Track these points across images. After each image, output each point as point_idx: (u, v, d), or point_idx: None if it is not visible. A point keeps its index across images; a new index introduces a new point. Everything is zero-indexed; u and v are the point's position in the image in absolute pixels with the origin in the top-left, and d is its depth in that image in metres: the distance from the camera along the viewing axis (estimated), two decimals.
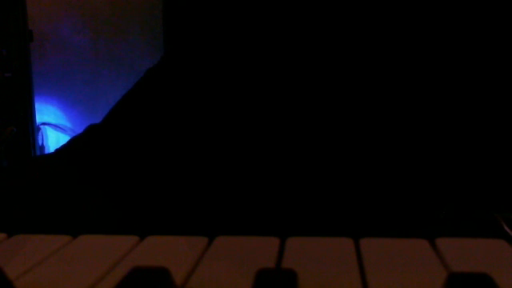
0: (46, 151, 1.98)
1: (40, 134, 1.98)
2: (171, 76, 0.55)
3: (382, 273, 0.29)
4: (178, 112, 0.52)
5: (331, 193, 0.46)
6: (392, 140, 0.47)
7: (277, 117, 0.49)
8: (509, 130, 0.46)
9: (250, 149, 0.48)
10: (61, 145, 0.58)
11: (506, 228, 0.42)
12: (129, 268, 0.27)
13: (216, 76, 0.52)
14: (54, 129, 2.04)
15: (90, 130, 0.56)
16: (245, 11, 0.50)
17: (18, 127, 1.78)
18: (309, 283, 0.28)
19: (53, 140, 2.04)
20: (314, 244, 0.34)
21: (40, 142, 1.96)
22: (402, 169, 0.47)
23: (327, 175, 0.47)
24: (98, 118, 0.58)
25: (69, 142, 0.57)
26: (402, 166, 0.47)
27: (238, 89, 0.50)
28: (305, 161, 0.47)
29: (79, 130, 0.59)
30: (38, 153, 1.86)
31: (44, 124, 2.02)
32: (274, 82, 0.49)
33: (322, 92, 0.48)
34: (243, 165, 0.48)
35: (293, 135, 0.48)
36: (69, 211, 0.46)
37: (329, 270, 0.30)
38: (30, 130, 1.82)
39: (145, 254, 0.34)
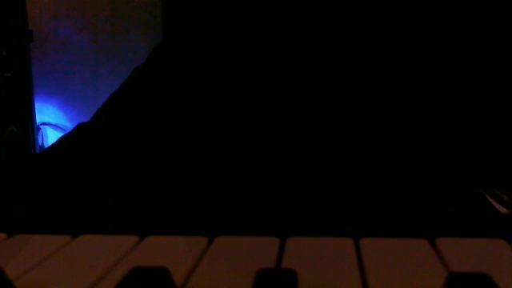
0: None
1: (40, 133, 1.98)
2: (168, 74, 0.55)
3: (381, 273, 0.29)
4: (178, 111, 0.52)
5: (331, 193, 0.46)
6: (392, 140, 0.47)
7: (276, 116, 0.49)
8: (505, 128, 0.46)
9: (250, 148, 0.48)
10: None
11: (491, 200, 0.42)
12: (129, 268, 0.27)
13: (215, 74, 0.52)
14: (54, 129, 2.04)
15: (82, 129, 0.56)
16: (245, 11, 0.50)
17: (17, 127, 1.78)
18: (309, 283, 0.28)
19: (53, 140, 2.04)
20: (314, 244, 0.34)
21: (40, 142, 1.96)
22: (402, 168, 0.47)
23: (327, 175, 0.47)
24: None
25: (60, 140, 0.57)
26: (402, 166, 0.47)
27: (238, 88, 0.50)
28: (305, 161, 0.47)
29: None
30: (37, 152, 1.86)
31: (44, 124, 2.02)
32: (272, 83, 0.49)
33: (321, 92, 0.48)
34: (243, 164, 0.48)
35: (293, 135, 0.48)
36: (69, 211, 0.46)
37: (329, 270, 0.30)
38: (30, 130, 1.82)
39: (145, 254, 0.34)
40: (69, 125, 2.02)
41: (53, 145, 0.58)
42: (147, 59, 0.58)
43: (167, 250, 0.34)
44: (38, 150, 1.87)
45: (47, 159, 0.56)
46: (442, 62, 0.46)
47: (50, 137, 2.05)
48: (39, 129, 1.97)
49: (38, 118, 1.92)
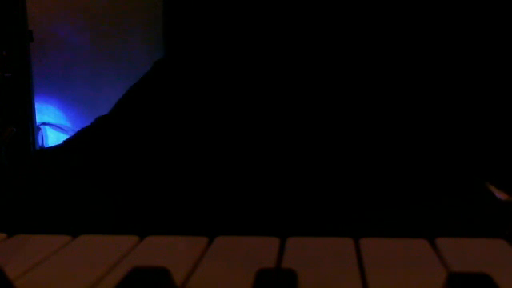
0: None
1: (40, 133, 1.98)
2: (173, 75, 0.55)
3: (381, 273, 0.29)
4: (179, 111, 0.52)
5: (331, 193, 0.46)
6: (392, 139, 0.47)
7: (277, 117, 0.49)
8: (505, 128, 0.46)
9: (250, 148, 0.48)
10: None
11: (491, 188, 0.42)
12: (129, 268, 0.27)
13: (216, 76, 0.52)
14: (54, 129, 2.04)
15: (84, 132, 0.56)
16: (245, 11, 0.50)
17: (17, 127, 1.78)
18: (309, 283, 0.28)
19: (53, 140, 2.04)
20: (314, 244, 0.34)
21: (40, 142, 1.96)
22: (402, 168, 0.47)
23: (327, 175, 0.47)
24: None
25: (62, 142, 0.57)
26: (402, 166, 0.47)
27: (238, 88, 0.50)
28: (305, 160, 0.47)
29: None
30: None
31: (44, 124, 2.02)
32: (274, 82, 0.49)
33: (321, 92, 0.48)
34: (243, 164, 0.48)
35: (293, 135, 0.48)
36: (69, 211, 0.46)
37: (329, 270, 0.30)
38: (30, 130, 1.81)
39: (145, 254, 0.34)
40: (69, 125, 2.02)
41: (54, 146, 0.58)
42: (152, 68, 0.59)
43: (167, 250, 0.34)
44: None
45: (47, 160, 0.56)
46: (442, 60, 0.47)
47: (50, 137, 2.05)
48: (39, 129, 1.97)
49: (38, 118, 1.92)
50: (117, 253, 0.33)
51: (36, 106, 1.86)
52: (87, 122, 0.60)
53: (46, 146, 2.00)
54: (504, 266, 0.31)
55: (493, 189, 0.42)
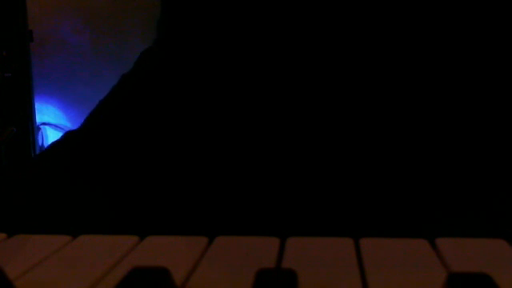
0: None
1: (40, 133, 1.98)
2: (166, 74, 0.55)
3: (382, 273, 0.30)
4: (178, 109, 0.52)
5: (331, 192, 0.46)
6: (392, 139, 0.47)
7: (276, 116, 0.49)
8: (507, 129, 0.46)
9: (250, 148, 0.48)
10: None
11: None
12: (129, 268, 0.27)
13: (215, 74, 0.52)
14: (54, 129, 2.04)
15: (80, 131, 0.56)
16: (245, 11, 0.50)
17: (17, 127, 1.78)
18: (309, 283, 0.28)
19: (53, 140, 2.04)
20: (314, 244, 0.34)
21: (40, 142, 1.96)
22: (402, 168, 0.47)
23: (327, 175, 0.47)
24: None
25: (60, 142, 0.57)
26: (402, 166, 0.47)
27: (238, 88, 0.50)
28: (304, 160, 0.47)
29: None
30: (37, 153, 1.86)
31: (44, 124, 2.02)
32: (272, 82, 0.49)
33: (321, 91, 0.48)
34: (243, 164, 0.48)
35: (293, 134, 0.48)
36: (69, 211, 0.46)
37: (329, 270, 0.30)
38: (30, 129, 1.82)
39: (145, 254, 0.34)
40: (69, 125, 2.02)
41: (52, 146, 0.58)
42: (137, 63, 0.58)
43: (167, 250, 0.34)
44: (38, 150, 1.87)
45: (47, 160, 0.56)
46: (444, 58, 0.47)
47: (50, 137, 2.05)
48: (39, 129, 1.98)
49: (38, 118, 1.92)
50: (117, 253, 0.33)
51: (36, 106, 1.86)
52: None
53: (45, 146, 2.00)
54: (504, 266, 0.31)
55: None
